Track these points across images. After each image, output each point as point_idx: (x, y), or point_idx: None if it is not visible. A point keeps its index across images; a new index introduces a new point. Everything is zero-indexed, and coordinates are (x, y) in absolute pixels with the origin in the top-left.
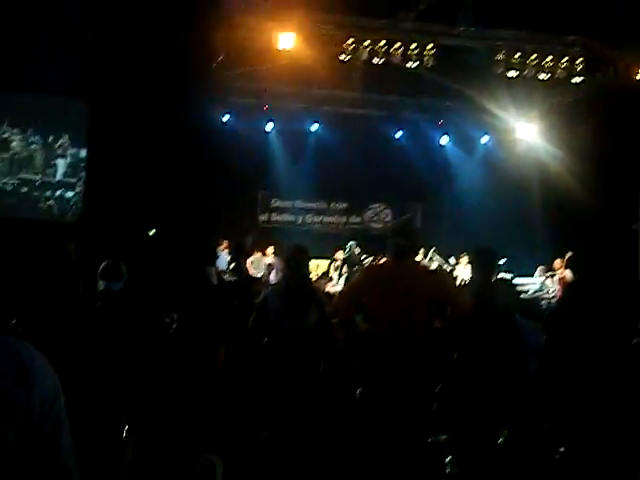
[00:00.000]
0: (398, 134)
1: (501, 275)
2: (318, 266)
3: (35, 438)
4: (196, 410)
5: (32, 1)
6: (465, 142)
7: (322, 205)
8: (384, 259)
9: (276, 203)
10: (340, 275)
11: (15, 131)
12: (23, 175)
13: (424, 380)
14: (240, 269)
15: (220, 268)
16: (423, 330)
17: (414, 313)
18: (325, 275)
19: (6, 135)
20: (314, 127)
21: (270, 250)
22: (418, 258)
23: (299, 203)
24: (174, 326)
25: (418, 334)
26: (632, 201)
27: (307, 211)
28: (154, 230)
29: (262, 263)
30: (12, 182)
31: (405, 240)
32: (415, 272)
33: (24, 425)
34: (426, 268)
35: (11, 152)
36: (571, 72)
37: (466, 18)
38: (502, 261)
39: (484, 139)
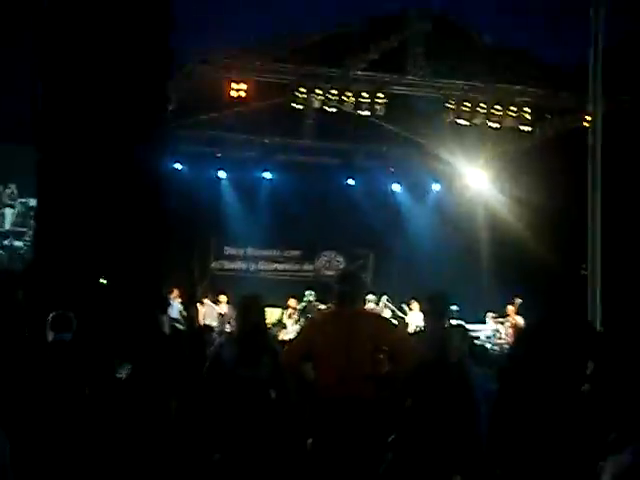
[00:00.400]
0: (350, 181)
1: (453, 321)
2: (271, 314)
3: None
4: (149, 462)
5: None
6: (416, 189)
7: (275, 253)
8: (329, 306)
9: (228, 250)
10: (295, 323)
11: None
12: None
13: (376, 430)
14: (192, 317)
15: (172, 316)
16: (370, 376)
17: (360, 359)
18: (279, 323)
19: None
20: (267, 175)
21: (223, 298)
22: (370, 305)
23: (251, 251)
24: (125, 376)
25: (365, 381)
26: (579, 247)
27: (260, 259)
28: (105, 279)
29: (214, 311)
30: None
31: (347, 286)
32: (358, 317)
33: None
34: (369, 313)
35: None
36: (519, 121)
37: (416, 67)
38: (454, 307)
39: (435, 186)
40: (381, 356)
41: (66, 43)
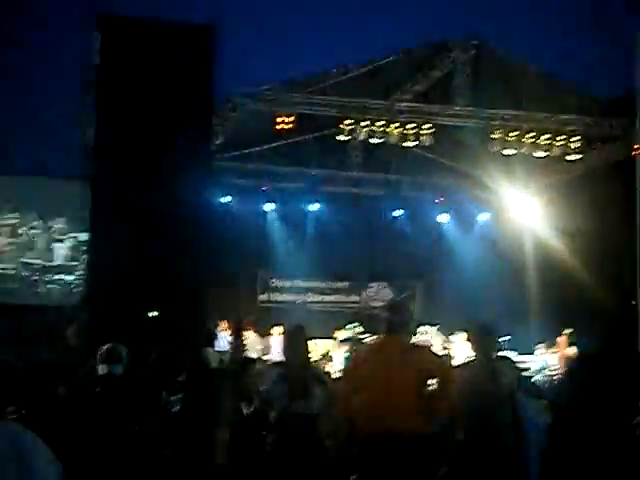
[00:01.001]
0: (397, 212)
1: (503, 353)
2: (319, 346)
3: None
4: None
5: (33, 84)
6: (464, 219)
7: (322, 284)
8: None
9: (276, 282)
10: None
11: (16, 215)
12: (24, 259)
13: (424, 465)
14: (236, 349)
15: (221, 349)
16: (417, 409)
17: (406, 390)
18: (326, 355)
19: (8, 220)
20: (314, 207)
21: (276, 330)
22: (421, 337)
23: (299, 282)
24: (175, 409)
25: (413, 413)
26: (631, 277)
27: (307, 290)
28: (155, 312)
29: (259, 344)
30: (13, 266)
31: (395, 316)
32: (404, 348)
33: None
34: (415, 344)
35: (12, 237)
36: (567, 150)
37: (461, 97)
38: (506, 338)
39: (482, 216)
40: (429, 387)
41: (117, 80)
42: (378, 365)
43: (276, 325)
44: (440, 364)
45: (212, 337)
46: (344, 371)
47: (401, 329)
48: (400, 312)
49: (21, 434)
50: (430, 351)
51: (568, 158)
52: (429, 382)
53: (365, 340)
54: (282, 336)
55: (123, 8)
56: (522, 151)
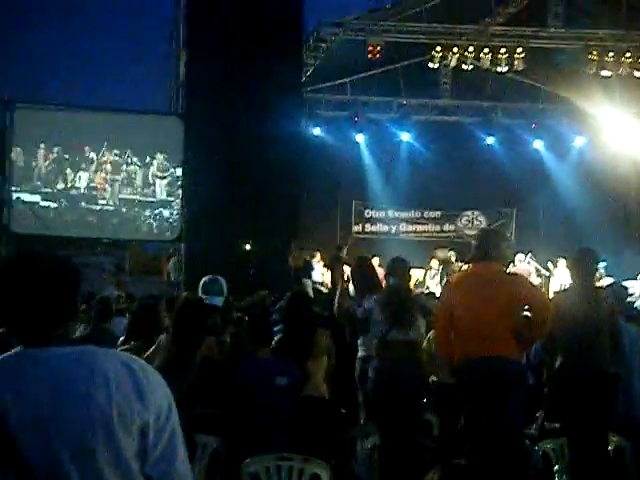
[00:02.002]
0: (490, 140)
1: (603, 279)
2: (413, 275)
3: (151, 451)
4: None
5: (127, 24)
6: (559, 145)
7: (415, 214)
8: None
9: (370, 213)
10: (437, 284)
11: (115, 152)
12: (123, 196)
13: (523, 388)
14: (335, 280)
15: (314, 279)
16: (511, 334)
17: (500, 316)
18: (421, 284)
19: (105, 157)
20: (405, 136)
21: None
22: (515, 264)
23: (392, 213)
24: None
25: (507, 339)
26: None
27: (400, 220)
28: (249, 245)
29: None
30: (113, 203)
31: (488, 242)
32: (496, 275)
33: (141, 439)
34: (507, 271)
35: (112, 174)
36: None
37: (555, 19)
38: (602, 264)
39: (578, 141)
40: (523, 313)
41: (206, 17)
42: (471, 290)
43: (374, 256)
44: (534, 291)
45: (309, 268)
46: (441, 295)
47: (495, 256)
48: (493, 238)
49: (133, 362)
50: (523, 278)
51: None
52: (523, 308)
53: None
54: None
55: None
56: (620, 72)
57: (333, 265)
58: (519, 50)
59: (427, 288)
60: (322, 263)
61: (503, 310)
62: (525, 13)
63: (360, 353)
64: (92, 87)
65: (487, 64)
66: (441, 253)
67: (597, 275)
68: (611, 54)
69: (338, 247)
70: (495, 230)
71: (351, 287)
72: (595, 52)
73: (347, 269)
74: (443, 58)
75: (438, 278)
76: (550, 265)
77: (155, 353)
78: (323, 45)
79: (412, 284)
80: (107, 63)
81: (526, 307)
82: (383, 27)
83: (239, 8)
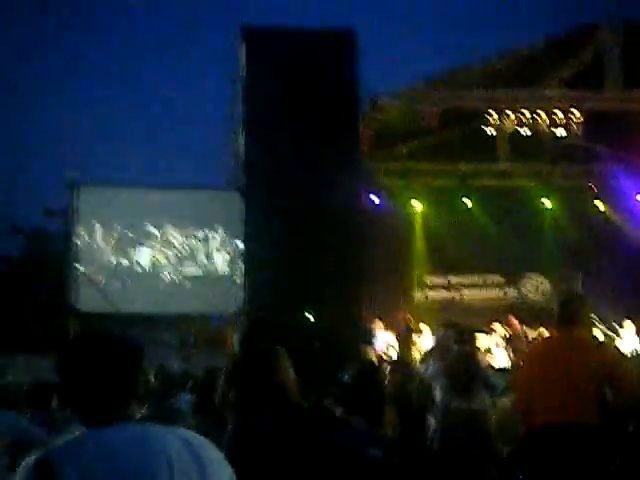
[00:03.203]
0: (550, 202)
1: None
2: (478, 339)
3: None
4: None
5: (183, 98)
6: (620, 205)
7: (478, 279)
8: (548, 331)
9: (431, 280)
10: (503, 349)
11: (176, 228)
12: (185, 270)
13: (598, 458)
14: (405, 348)
15: (378, 348)
16: (593, 402)
17: (582, 383)
18: (486, 350)
19: (167, 233)
20: (464, 202)
21: (426, 328)
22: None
23: (454, 278)
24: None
25: (588, 407)
26: None
27: (463, 286)
28: (311, 315)
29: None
30: (176, 278)
31: (570, 308)
32: (579, 341)
33: None
34: (590, 337)
35: (173, 249)
36: None
37: (612, 81)
38: None
39: None
40: (605, 381)
41: (263, 91)
42: (556, 358)
43: (441, 324)
44: (618, 357)
45: (370, 335)
46: (521, 364)
47: (579, 321)
48: (578, 303)
49: (194, 439)
50: (608, 345)
51: None
52: (610, 375)
53: (528, 334)
54: (444, 334)
55: (263, 18)
56: None
57: (403, 334)
58: (576, 113)
59: (491, 353)
60: (384, 331)
61: (588, 377)
62: (580, 76)
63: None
64: (153, 165)
65: (544, 128)
66: (507, 320)
67: None
68: None
69: (406, 315)
70: (579, 294)
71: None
72: None
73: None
74: (499, 123)
75: (503, 346)
76: (617, 327)
77: None
78: (379, 115)
79: (480, 350)
80: (168, 141)
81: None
82: (438, 95)
83: (295, 84)
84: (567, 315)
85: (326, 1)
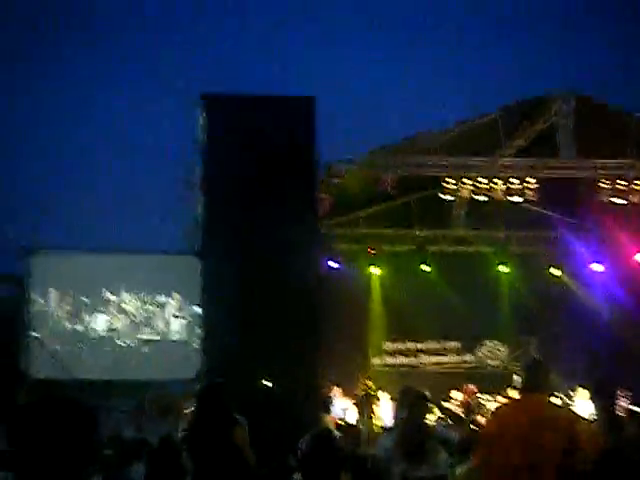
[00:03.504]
0: (506, 268)
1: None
2: (434, 408)
3: None
4: None
5: (141, 162)
6: (576, 271)
7: (435, 345)
8: (510, 397)
9: (388, 346)
10: (461, 416)
11: (132, 293)
12: (141, 336)
13: None
14: (366, 415)
15: (336, 414)
16: (558, 468)
17: (547, 450)
18: (442, 418)
19: (123, 298)
20: (420, 268)
21: (385, 395)
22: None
23: (411, 345)
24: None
25: (554, 473)
26: None
27: (420, 352)
28: (269, 381)
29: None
30: (132, 344)
31: (533, 374)
32: (543, 407)
33: None
34: (554, 403)
35: (130, 314)
36: None
37: (565, 149)
38: (629, 393)
39: (596, 267)
40: (569, 447)
41: (222, 156)
42: (519, 425)
43: (398, 390)
44: (576, 421)
45: (328, 402)
46: (482, 431)
47: (544, 387)
48: (543, 369)
49: None
50: (567, 409)
51: None
52: (575, 444)
53: (486, 403)
54: (396, 401)
55: (222, 86)
56: (633, 199)
57: (362, 401)
58: (531, 180)
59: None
60: (342, 398)
61: (550, 443)
62: (535, 144)
63: None
64: (108, 229)
65: (500, 195)
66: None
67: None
68: (622, 182)
69: (365, 382)
70: (539, 361)
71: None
72: (605, 180)
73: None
74: (456, 190)
75: (462, 411)
76: (571, 394)
77: None
78: (337, 181)
79: (433, 417)
80: (123, 205)
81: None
82: (396, 161)
83: (253, 149)
84: (532, 381)
85: (287, 69)
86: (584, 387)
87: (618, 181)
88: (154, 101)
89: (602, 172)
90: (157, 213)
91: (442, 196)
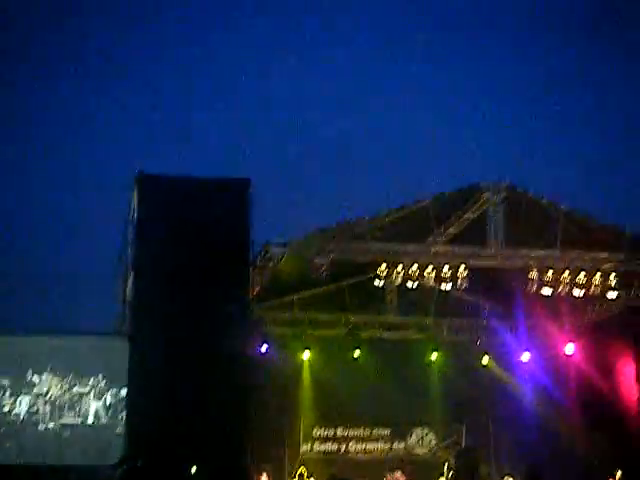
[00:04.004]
0: (436, 356)
1: None
2: None
3: None
4: None
5: (71, 243)
6: (505, 360)
7: (364, 432)
8: None
9: (317, 432)
10: None
11: (56, 375)
12: (65, 420)
13: None
14: None
15: None
16: None
17: None
18: None
19: (47, 380)
20: (352, 353)
21: None
22: None
23: (341, 431)
24: None
25: None
26: None
27: (349, 439)
28: (194, 467)
29: None
30: (55, 427)
31: (463, 461)
32: None
33: None
34: None
35: (51, 398)
36: (605, 288)
37: (496, 239)
38: None
39: (524, 356)
40: None
41: (154, 236)
42: None
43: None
44: None
45: None
46: None
47: (471, 474)
48: (478, 459)
49: None
50: None
51: (607, 296)
52: None
53: None
54: None
55: (159, 169)
56: (560, 290)
57: None
58: (462, 268)
59: None
60: None
61: None
62: (466, 233)
63: None
64: (34, 309)
65: (431, 282)
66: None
67: None
68: (550, 273)
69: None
70: (471, 450)
71: None
72: (534, 271)
73: None
74: (388, 276)
75: None
76: None
77: None
78: (271, 264)
79: None
80: (57, 284)
81: None
82: (328, 246)
83: (187, 230)
84: (462, 471)
85: (224, 152)
86: (512, 476)
87: (546, 272)
88: (89, 178)
89: (531, 263)
90: (91, 293)
91: (374, 281)
